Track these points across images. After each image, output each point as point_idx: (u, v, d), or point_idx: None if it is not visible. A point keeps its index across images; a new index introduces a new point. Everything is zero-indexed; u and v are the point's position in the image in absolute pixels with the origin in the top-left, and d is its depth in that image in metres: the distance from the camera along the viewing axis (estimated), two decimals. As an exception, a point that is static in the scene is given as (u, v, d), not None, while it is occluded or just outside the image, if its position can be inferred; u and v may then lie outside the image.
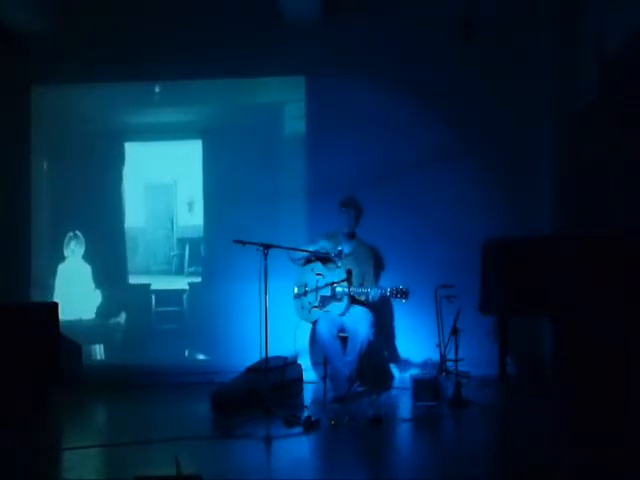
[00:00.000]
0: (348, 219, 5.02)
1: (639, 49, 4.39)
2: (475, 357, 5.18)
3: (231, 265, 5.80)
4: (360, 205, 5.07)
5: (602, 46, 4.87)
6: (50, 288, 6.19)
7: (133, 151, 6.36)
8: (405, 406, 4.70)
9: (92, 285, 6.23)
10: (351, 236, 5.09)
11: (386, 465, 3.66)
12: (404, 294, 4.62)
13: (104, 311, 6.22)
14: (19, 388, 4.87)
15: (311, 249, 4.98)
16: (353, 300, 4.91)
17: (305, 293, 4.98)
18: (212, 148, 6.28)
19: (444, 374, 5.16)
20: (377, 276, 5.43)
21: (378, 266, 5.54)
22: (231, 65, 5.96)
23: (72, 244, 6.21)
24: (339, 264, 4.91)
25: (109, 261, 6.28)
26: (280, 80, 6.10)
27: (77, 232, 6.23)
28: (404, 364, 5.77)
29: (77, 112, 6.25)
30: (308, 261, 5.08)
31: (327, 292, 4.91)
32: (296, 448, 3.89)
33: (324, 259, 5.01)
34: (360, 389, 5.08)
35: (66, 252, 6.22)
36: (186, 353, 6.21)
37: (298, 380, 5.20)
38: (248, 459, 3.71)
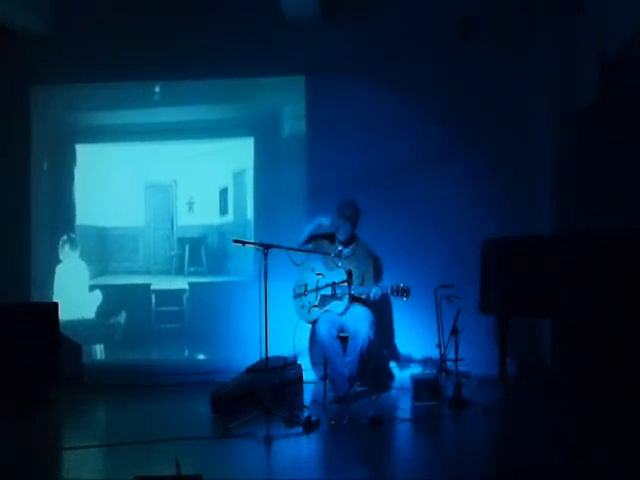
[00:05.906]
0: (345, 227, 4.94)
1: (639, 49, 4.40)
2: (475, 357, 5.17)
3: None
4: (358, 209, 4.96)
5: (602, 46, 4.87)
6: (50, 288, 6.19)
7: (133, 151, 6.36)
8: (405, 406, 4.69)
9: (90, 285, 6.23)
10: (350, 239, 5.06)
11: (386, 465, 3.66)
12: (405, 292, 4.58)
13: (104, 311, 6.22)
14: (19, 388, 4.87)
15: (309, 228, 4.97)
16: (354, 298, 4.89)
17: (305, 293, 4.98)
18: (211, 148, 6.29)
19: (444, 374, 5.16)
20: (377, 276, 5.42)
21: (377, 266, 5.54)
22: (231, 65, 5.95)
23: (66, 247, 6.21)
24: (339, 264, 4.89)
25: (106, 261, 6.29)
26: (280, 80, 6.09)
27: (71, 235, 6.22)
28: (404, 363, 5.76)
29: (75, 112, 6.25)
30: (311, 239, 5.01)
31: (327, 292, 4.90)
32: (296, 448, 3.88)
33: (327, 237, 4.98)
34: (360, 389, 5.08)
35: (61, 255, 6.22)
36: (186, 353, 6.22)
37: (298, 380, 5.20)
38: (248, 459, 3.71)
